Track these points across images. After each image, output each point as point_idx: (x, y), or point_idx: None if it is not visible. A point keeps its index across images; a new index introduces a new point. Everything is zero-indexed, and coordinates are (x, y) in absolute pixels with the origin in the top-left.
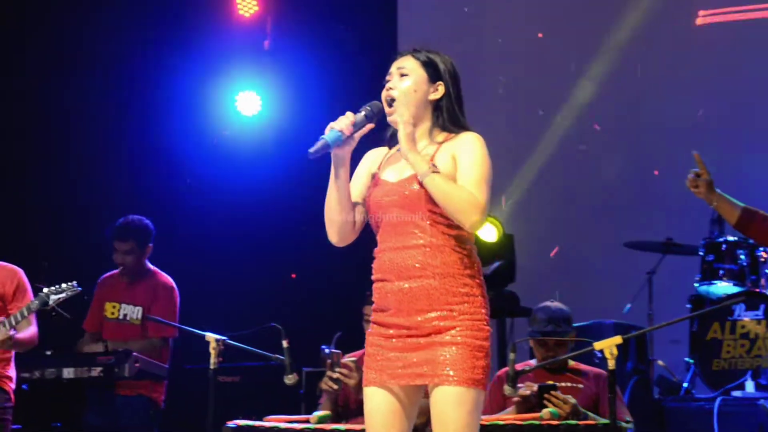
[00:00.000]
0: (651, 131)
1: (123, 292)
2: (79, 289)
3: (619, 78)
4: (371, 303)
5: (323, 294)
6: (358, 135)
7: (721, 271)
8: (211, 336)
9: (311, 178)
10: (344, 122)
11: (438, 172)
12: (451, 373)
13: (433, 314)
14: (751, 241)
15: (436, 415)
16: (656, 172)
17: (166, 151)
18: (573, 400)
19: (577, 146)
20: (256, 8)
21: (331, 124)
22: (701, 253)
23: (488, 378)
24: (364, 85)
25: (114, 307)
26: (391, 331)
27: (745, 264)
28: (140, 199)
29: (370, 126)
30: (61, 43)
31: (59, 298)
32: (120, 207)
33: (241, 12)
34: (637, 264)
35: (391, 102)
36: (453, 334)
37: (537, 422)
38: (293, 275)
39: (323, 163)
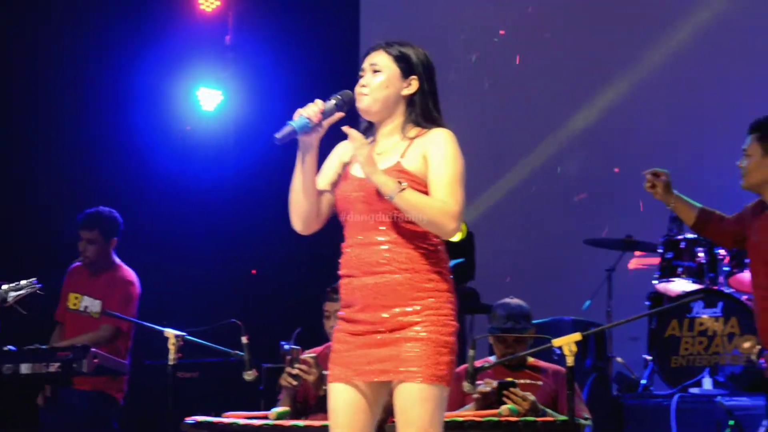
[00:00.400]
0: (612, 129)
1: (85, 284)
2: (39, 285)
3: (582, 74)
4: (331, 299)
5: (283, 290)
6: (326, 123)
7: (679, 269)
8: (170, 332)
9: (272, 173)
10: (313, 109)
11: (405, 188)
12: (415, 369)
13: (398, 310)
14: None
15: (400, 412)
16: (616, 170)
17: (127, 146)
18: (532, 398)
19: (537, 144)
20: (218, 3)
21: (299, 111)
22: (660, 251)
23: (453, 374)
24: (325, 80)
25: (76, 298)
26: (358, 327)
27: (703, 261)
28: (101, 194)
29: (339, 115)
30: (21, 39)
31: (18, 295)
32: (81, 202)
33: (202, 7)
34: (597, 261)
35: (361, 96)
36: (417, 329)
37: (496, 419)
38: (253, 271)
39: (285, 158)
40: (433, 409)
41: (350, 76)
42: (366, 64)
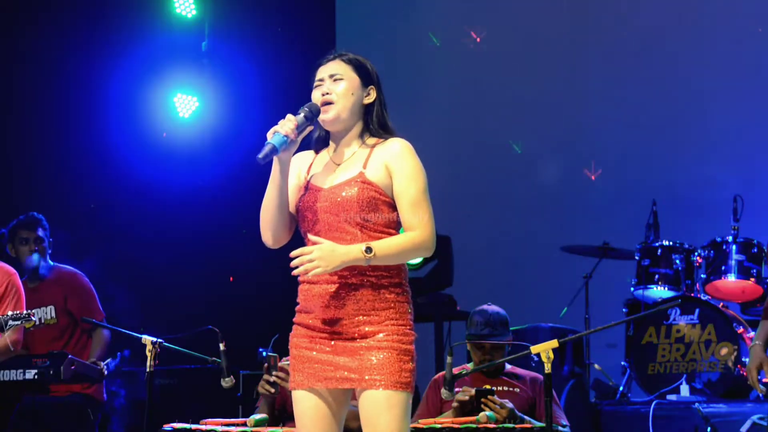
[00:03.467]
0: (589, 135)
1: (31, 298)
2: (34, 319)
3: (558, 81)
4: None
5: (261, 297)
6: (300, 137)
7: (656, 276)
8: (147, 338)
9: (249, 179)
10: (288, 126)
11: (373, 250)
12: (379, 377)
13: (359, 318)
14: (686, 245)
15: (366, 420)
16: (593, 177)
17: (103, 153)
18: (510, 405)
19: (514, 150)
20: (195, 10)
21: (275, 129)
22: (637, 258)
23: (414, 381)
24: (301, 87)
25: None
26: (317, 334)
27: (680, 268)
28: (76, 200)
29: (310, 128)
30: None
31: (16, 325)
32: (56, 209)
33: (179, 13)
34: (574, 268)
35: (327, 106)
36: (380, 338)
37: (474, 425)
38: (231, 278)
39: (259, 165)
40: (399, 415)
41: None
42: (323, 75)
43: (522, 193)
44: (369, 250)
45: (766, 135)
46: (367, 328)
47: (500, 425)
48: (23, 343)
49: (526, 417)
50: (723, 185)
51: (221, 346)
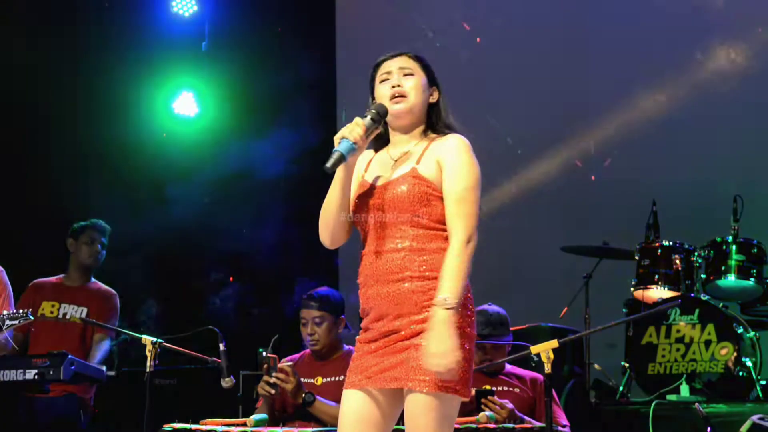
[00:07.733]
0: (589, 135)
1: (64, 294)
2: (31, 318)
3: (558, 80)
4: (307, 306)
5: (261, 297)
6: (367, 142)
7: (656, 276)
8: (147, 338)
9: (249, 179)
10: (357, 132)
11: (448, 299)
12: (422, 378)
13: (409, 318)
14: (686, 245)
15: (407, 420)
16: (593, 177)
17: (103, 153)
18: (510, 405)
19: (514, 150)
20: (194, 8)
21: (342, 134)
22: (637, 258)
23: (464, 382)
24: (301, 86)
25: (53, 306)
26: (372, 335)
27: (680, 268)
28: (75, 201)
29: (378, 130)
30: None
31: (12, 324)
32: (57, 208)
33: (179, 12)
34: (574, 268)
35: (400, 98)
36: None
37: (474, 425)
38: (231, 278)
39: (261, 165)
40: (438, 418)
41: (326, 83)
42: (392, 68)
43: (522, 193)
44: (454, 309)
45: (765, 135)
46: (417, 327)
47: (500, 425)
48: (23, 340)
49: (526, 417)
50: (723, 185)
51: (221, 347)
